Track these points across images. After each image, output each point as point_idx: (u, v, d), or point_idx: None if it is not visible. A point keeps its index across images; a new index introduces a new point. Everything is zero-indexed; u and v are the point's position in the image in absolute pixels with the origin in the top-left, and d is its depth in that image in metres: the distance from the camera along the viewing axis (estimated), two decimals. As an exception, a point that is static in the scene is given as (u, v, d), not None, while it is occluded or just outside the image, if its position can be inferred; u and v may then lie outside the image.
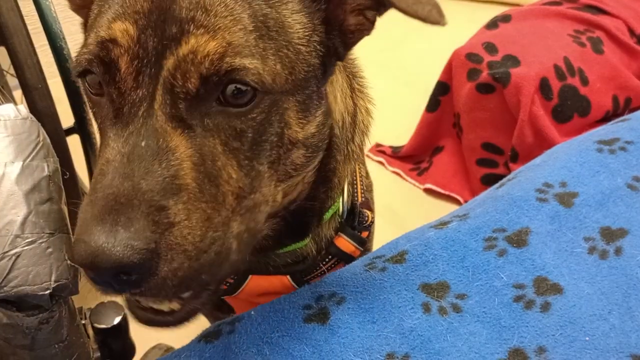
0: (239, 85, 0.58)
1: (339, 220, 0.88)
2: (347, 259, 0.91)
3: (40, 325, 0.78)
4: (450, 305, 0.80)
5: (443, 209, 1.88)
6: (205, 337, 0.79)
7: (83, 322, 1.06)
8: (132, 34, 0.57)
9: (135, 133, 0.55)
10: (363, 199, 0.92)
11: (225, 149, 0.59)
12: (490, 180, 1.85)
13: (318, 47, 0.67)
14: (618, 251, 0.86)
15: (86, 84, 0.62)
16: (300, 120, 0.66)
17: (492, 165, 1.89)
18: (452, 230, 0.90)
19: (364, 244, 0.92)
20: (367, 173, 1.00)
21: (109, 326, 1.07)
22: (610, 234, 0.89)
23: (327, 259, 0.89)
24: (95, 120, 0.66)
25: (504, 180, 1.05)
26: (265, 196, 0.65)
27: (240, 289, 0.89)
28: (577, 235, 0.89)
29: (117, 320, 1.08)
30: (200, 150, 0.57)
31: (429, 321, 0.77)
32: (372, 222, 0.92)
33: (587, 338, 0.76)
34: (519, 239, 0.87)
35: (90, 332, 1.08)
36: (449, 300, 0.80)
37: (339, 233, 0.89)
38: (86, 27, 0.70)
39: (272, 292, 0.87)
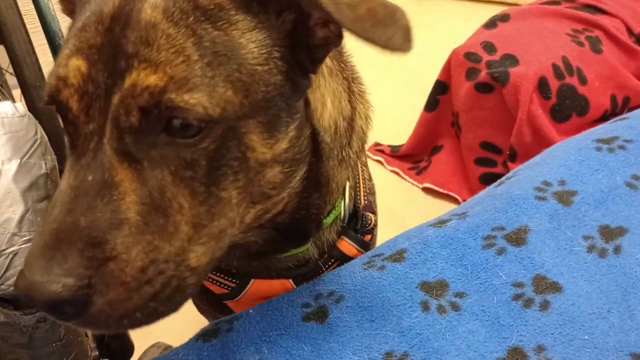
0: (182, 121, 0.56)
1: (341, 224, 0.87)
2: (348, 260, 0.90)
3: (37, 323, 0.78)
4: (449, 303, 0.80)
5: (442, 208, 1.87)
6: (204, 336, 0.79)
7: (81, 321, 1.06)
8: (84, 71, 0.57)
9: (85, 167, 0.56)
10: (366, 202, 0.91)
11: (175, 179, 0.57)
12: (488, 180, 1.85)
13: (279, 63, 0.62)
14: (617, 250, 0.86)
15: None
16: (267, 141, 0.62)
17: (490, 164, 1.89)
18: (451, 229, 0.90)
19: (367, 247, 0.91)
20: (369, 176, 0.98)
21: (107, 325, 1.07)
22: (609, 233, 0.88)
23: (329, 263, 0.88)
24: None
25: (503, 178, 1.05)
26: (231, 221, 0.63)
27: (242, 293, 0.88)
28: (576, 234, 0.89)
29: (115, 319, 1.08)
30: (146, 183, 0.56)
31: (428, 320, 0.77)
32: (375, 225, 0.90)
33: (586, 337, 0.76)
34: (517, 238, 0.87)
35: (89, 331, 1.08)
36: (448, 298, 0.80)
37: (342, 237, 0.87)
38: None
39: (275, 295, 0.86)
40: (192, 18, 0.57)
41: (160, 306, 0.57)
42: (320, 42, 0.63)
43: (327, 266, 0.88)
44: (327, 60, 0.75)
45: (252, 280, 0.86)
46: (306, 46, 0.63)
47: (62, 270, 0.51)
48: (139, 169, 0.56)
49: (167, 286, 0.56)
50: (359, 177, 0.90)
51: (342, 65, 0.82)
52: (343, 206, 0.85)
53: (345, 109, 0.78)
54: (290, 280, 0.86)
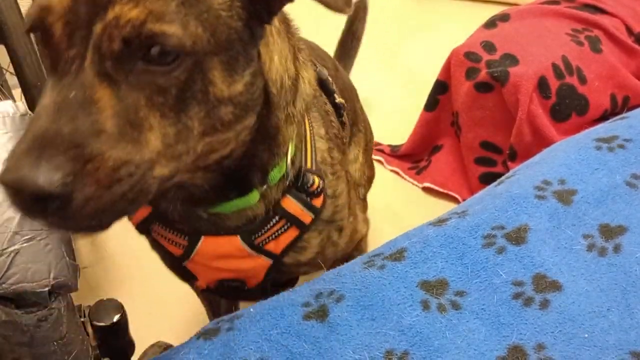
0: (161, 48, 0.64)
1: (286, 182, 0.93)
2: (296, 222, 0.94)
3: (39, 322, 0.78)
4: (449, 302, 0.80)
5: (442, 208, 1.88)
6: (204, 335, 0.79)
7: (82, 319, 1.06)
8: (65, 3, 0.64)
9: (67, 86, 0.63)
10: (313, 167, 0.96)
11: (148, 102, 0.66)
12: (488, 179, 1.85)
13: (240, 11, 0.72)
14: (617, 248, 0.87)
15: (35, 37, 0.69)
16: (226, 79, 0.71)
17: (490, 164, 1.89)
18: (451, 228, 0.90)
19: (316, 212, 0.96)
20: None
21: (108, 324, 1.07)
22: (609, 232, 0.89)
23: (274, 220, 0.93)
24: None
25: (503, 178, 1.05)
26: (189, 147, 0.71)
27: (194, 251, 0.95)
28: (576, 233, 0.89)
29: (116, 317, 1.08)
30: (122, 101, 0.64)
31: (428, 318, 0.78)
32: (321, 189, 0.95)
33: (586, 335, 0.76)
34: (517, 237, 0.87)
35: (90, 330, 1.08)
36: (448, 297, 0.81)
37: (285, 194, 0.92)
38: None
39: (226, 254, 0.94)
40: None
41: (126, 205, 0.65)
42: None
43: (272, 223, 0.93)
44: (277, 25, 0.85)
45: (202, 237, 0.93)
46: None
47: (50, 166, 0.58)
48: (117, 90, 0.64)
49: (133, 188, 0.64)
50: (306, 141, 0.95)
51: (290, 35, 0.90)
52: (286, 164, 0.90)
53: (290, 69, 0.87)
54: (239, 237, 0.92)
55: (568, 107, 1.76)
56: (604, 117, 1.83)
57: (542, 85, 1.72)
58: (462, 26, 2.30)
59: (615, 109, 1.86)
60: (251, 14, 0.73)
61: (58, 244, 0.76)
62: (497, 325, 0.77)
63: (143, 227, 0.99)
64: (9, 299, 0.74)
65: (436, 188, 2.01)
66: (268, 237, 0.94)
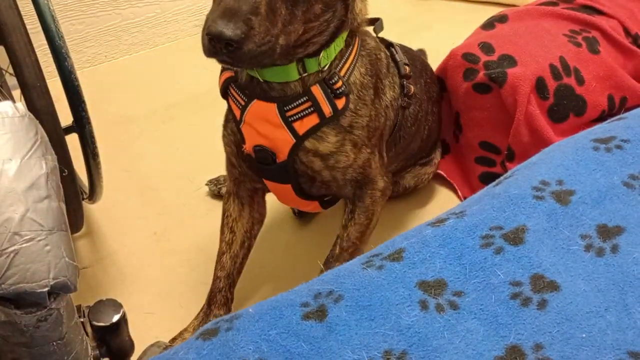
0: None
1: (319, 75, 1.21)
2: (318, 108, 1.21)
3: (38, 322, 0.78)
4: (448, 302, 0.80)
5: (441, 209, 1.88)
6: (203, 335, 0.79)
7: (81, 320, 1.06)
8: None
9: None
10: (345, 77, 1.23)
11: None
12: (488, 179, 1.85)
13: None
14: (614, 249, 0.87)
15: None
16: None
17: (489, 163, 1.89)
18: (449, 228, 0.91)
19: (336, 111, 1.22)
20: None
21: (108, 324, 1.07)
22: (606, 232, 0.89)
23: (303, 99, 1.20)
24: None
25: (501, 178, 1.05)
26: (295, 29, 1.09)
27: (246, 111, 1.25)
28: (574, 233, 0.89)
29: (115, 318, 1.08)
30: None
31: (427, 318, 0.78)
32: (342, 91, 1.22)
33: (583, 335, 0.76)
34: (515, 237, 0.88)
35: (89, 330, 1.08)
36: (446, 297, 0.81)
37: (316, 84, 1.20)
38: None
39: (265, 118, 1.24)
40: None
41: (266, 57, 1.05)
42: None
43: (300, 101, 1.21)
44: None
45: (254, 100, 1.23)
46: None
47: (235, 26, 0.98)
48: None
49: (269, 43, 1.03)
50: (348, 58, 1.25)
51: None
52: (326, 60, 1.20)
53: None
54: (275, 105, 1.21)
55: (566, 108, 1.76)
56: (601, 118, 1.84)
57: (539, 86, 1.72)
58: (460, 27, 2.30)
59: (613, 110, 1.86)
60: None
61: (57, 244, 0.76)
62: (495, 325, 0.78)
63: (224, 87, 1.31)
64: (9, 300, 0.74)
65: (443, 174, 1.99)
66: (295, 114, 1.22)
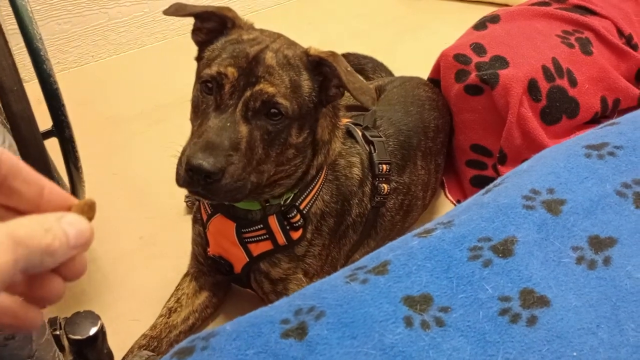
0: (276, 110, 1.13)
1: (280, 208, 1.29)
2: (272, 237, 1.29)
3: (5, 341, 0.75)
4: (433, 319, 0.77)
5: (431, 212, 1.85)
6: (178, 354, 0.76)
7: (57, 332, 1.03)
8: (235, 75, 1.12)
9: (225, 119, 1.10)
10: (305, 209, 1.30)
11: (261, 137, 1.13)
12: (479, 182, 1.83)
13: (314, 98, 1.20)
14: (607, 261, 0.84)
15: (202, 86, 1.15)
16: (297, 134, 1.19)
17: (481, 166, 1.87)
18: (436, 239, 0.87)
19: (291, 242, 1.30)
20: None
21: (84, 337, 1.04)
22: (598, 243, 0.86)
23: (259, 226, 1.29)
24: (198, 107, 1.16)
25: (491, 186, 1.02)
26: (267, 169, 1.18)
27: (210, 221, 1.35)
28: (565, 245, 0.86)
29: (93, 330, 1.05)
30: (251, 134, 1.11)
31: (411, 336, 0.75)
32: (299, 224, 1.30)
33: (575, 353, 0.73)
34: (504, 249, 0.85)
35: (66, 343, 1.05)
36: (432, 313, 0.78)
37: (273, 214, 1.28)
38: (199, 58, 1.24)
39: (224, 233, 1.33)
40: (287, 66, 1.15)
41: (238, 193, 1.12)
42: (333, 93, 1.22)
43: (256, 228, 1.30)
44: (330, 109, 1.29)
45: (218, 214, 1.33)
46: (325, 94, 1.21)
47: (214, 160, 1.05)
48: (249, 127, 1.11)
49: (244, 180, 1.11)
50: (311, 190, 1.31)
51: (335, 117, 1.32)
52: (289, 196, 1.29)
53: (325, 136, 1.29)
54: (234, 225, 1.31)
55: (558, 109, 1.74)
56: (594, 120, 1.81)
57: (532, 88, 1.70)
58: (453, 27, 2.28)
59: (606, 112, 1.84)
60: (318, 101, 1.21)
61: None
62: (482, 343, 0.74)
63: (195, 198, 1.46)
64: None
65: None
66: (251, 237, 1.30)
